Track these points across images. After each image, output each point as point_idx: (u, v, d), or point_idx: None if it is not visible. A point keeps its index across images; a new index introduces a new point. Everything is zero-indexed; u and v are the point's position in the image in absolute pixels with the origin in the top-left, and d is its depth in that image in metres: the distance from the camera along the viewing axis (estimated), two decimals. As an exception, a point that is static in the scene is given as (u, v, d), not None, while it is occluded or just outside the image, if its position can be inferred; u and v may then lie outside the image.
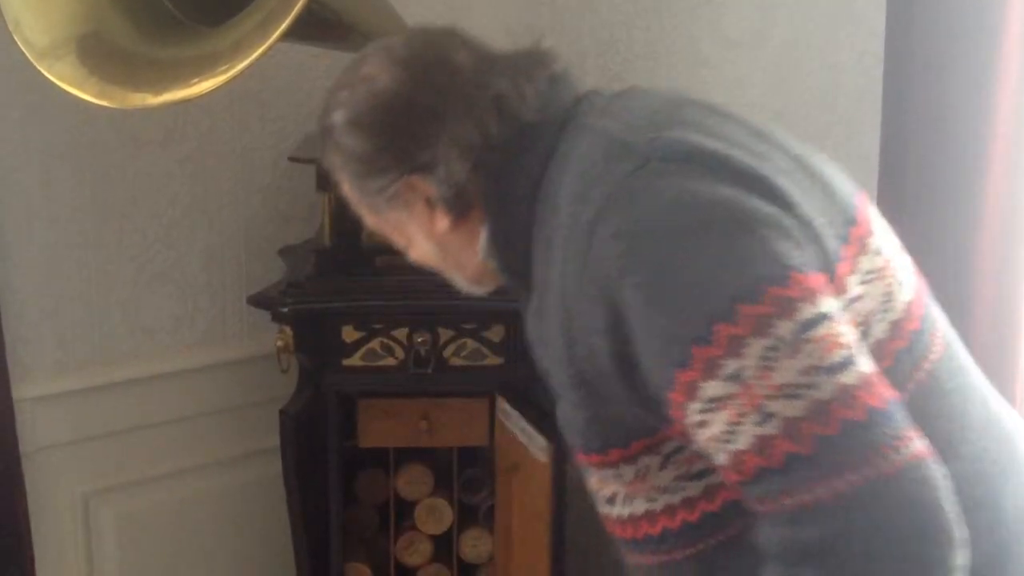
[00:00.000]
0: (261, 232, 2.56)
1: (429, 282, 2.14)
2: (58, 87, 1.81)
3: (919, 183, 1.58)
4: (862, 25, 2.12)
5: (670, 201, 1.12)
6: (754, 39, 2.32)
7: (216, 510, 2.58)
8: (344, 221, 2.16)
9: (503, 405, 2.13)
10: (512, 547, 2.19)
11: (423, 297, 2.15)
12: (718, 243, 1.09)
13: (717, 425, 1.07)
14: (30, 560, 2.26)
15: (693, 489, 1.22)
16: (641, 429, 1.21)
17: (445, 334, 2.18)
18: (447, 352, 2.19)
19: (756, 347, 1.04)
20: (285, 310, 2.11)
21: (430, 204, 1.31)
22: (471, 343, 2.19)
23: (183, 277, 2.48)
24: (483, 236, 1.32)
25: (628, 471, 1.24)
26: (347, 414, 2.25)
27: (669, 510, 1.24)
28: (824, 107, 2.21)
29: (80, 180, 2.30)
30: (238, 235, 2.54)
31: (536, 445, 2.03)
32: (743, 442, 1.05)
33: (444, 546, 2.38)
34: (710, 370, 1.05)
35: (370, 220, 1.41)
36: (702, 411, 1.08)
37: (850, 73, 2.17)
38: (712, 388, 1.06)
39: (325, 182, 2.14)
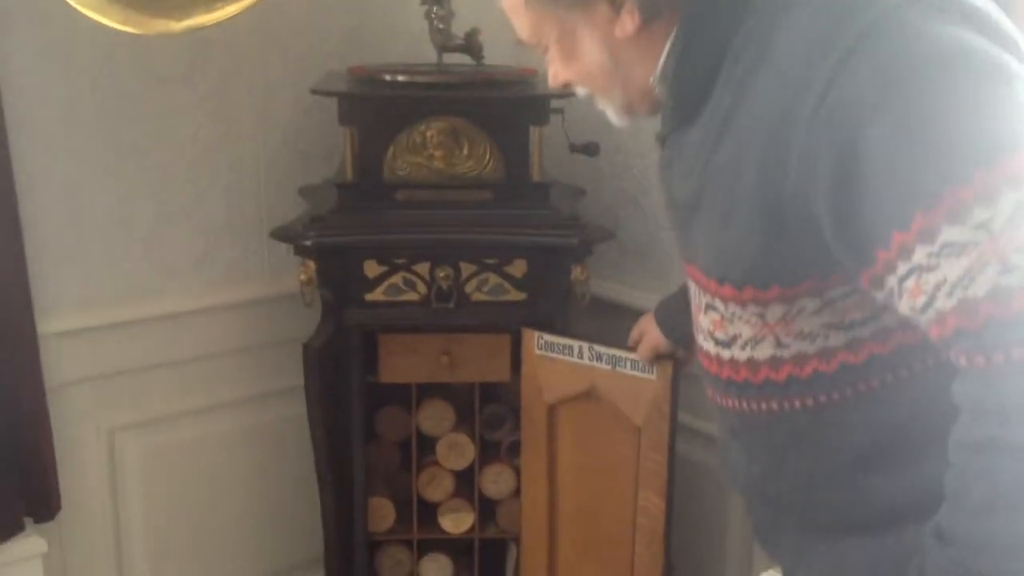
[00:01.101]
0: (281, 171, 2.56)
1: (452, 216, 2.17)
2: (80, 22, 1.80)
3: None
4: None
5: (929, 45, 1.08)
6: None
7: (240, 447, 2.60)
8: (367, 155, 2.17)
9: (544, 338, 2.12)
10: (559, 481, 2.19)
11: (445, 231, 2.15)
12: (980, 91, 1.06)
13: (946, 272, 1.04)
14: (56, 494, 2.28)
15: (836, 339, 1.21)
16: (816, 268, 1.17)
17: (467, 269, 2.18)
18: (469, 287, 2.19)
19: (1011, 199, 1.02)
20: (308, 243, 2.11)
21: (614, 5, 1.23)
22: (493, 278, 2.19)
23: (204, 215, 2.48)
24: (666, 50, 1.24)
25: (778, 310, 1.21)
26: (369, 350, 2.26)
27: (799, 358, 1.23)
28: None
29: (102, 117, 2.29)
30: (258, 173, 2.54)
31: (637, 367, 2.01)
32: (978, 289, 1.02)
33: (466, 482, 2.39)
34: (957, 214, 1.03)
35: (530, 27, 1.30)
36: (931, 255, 1.04)
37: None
38: (955, 233, 1.03)
39: (347, 116, 2.14)
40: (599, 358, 2.08)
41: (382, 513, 2.37)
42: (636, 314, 2.48)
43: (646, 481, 2.07)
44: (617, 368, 2.06)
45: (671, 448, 2.04)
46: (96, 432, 2.40)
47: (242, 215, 2.53)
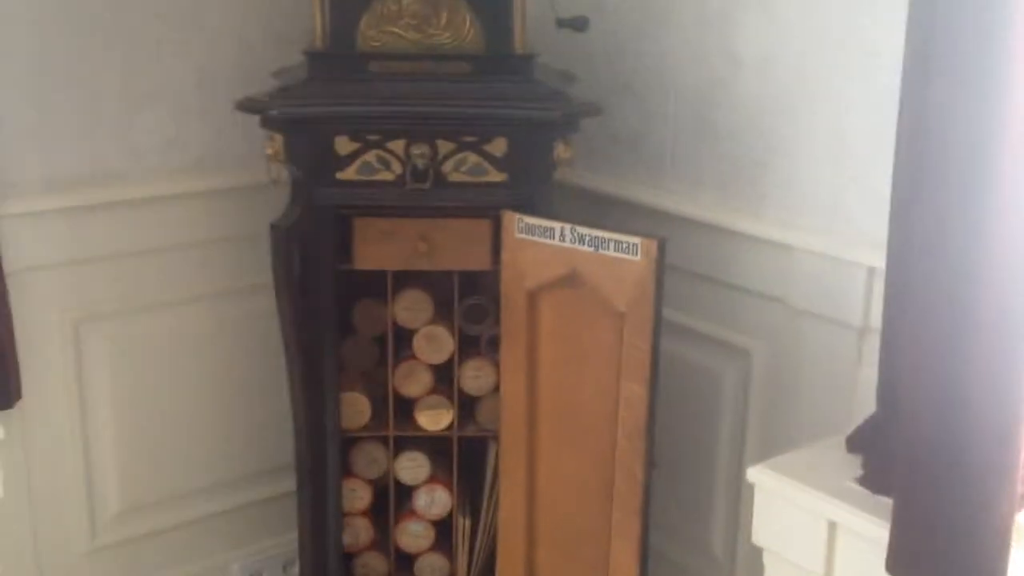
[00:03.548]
0: (258, 55, 2.43)
1: (428, 89, 2.04)
2: None
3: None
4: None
5: None
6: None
7: (211, 341, 2.49)
8: (338, 23, 2.04)
9: (524, 220, 2.00)
10: (540, 374, 2.08)
11: (421, 104, 2.02)
12: None
13: None
14: (16, 381, 2.19)
15: None
16: None
17: (444, 147, 2.06)
18: (447, 167, 2.07)
19: None
20: (275, 113, 1.99)
21: None
22: (472, 157, 2.06)
23: (175, 97, 2.36)
24: None
25: None
26: (342, 237, 2.14)
27: None
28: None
29: (64, -14, 2.17)
30: (232, 56, 2.41)
31: (620, 248, 1.89)
32: None
33: (444, 377, 2.29)
34: None
35: None
36: None
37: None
38: None
39: (318, -21, 2.00)
40: (581, 240, 1.96)
41: (356, 408, 2.26)
42: (627, 207, 2.37)
43: (628, 371, 1.95)
44: (600, 250, 1.94)
45: (655, 334, 1.92)
46: (60, 321, 2.30)
47: (215, 99, 2.41)
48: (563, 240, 1.99)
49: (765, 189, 2.19)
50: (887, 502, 1.62)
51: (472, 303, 2.26)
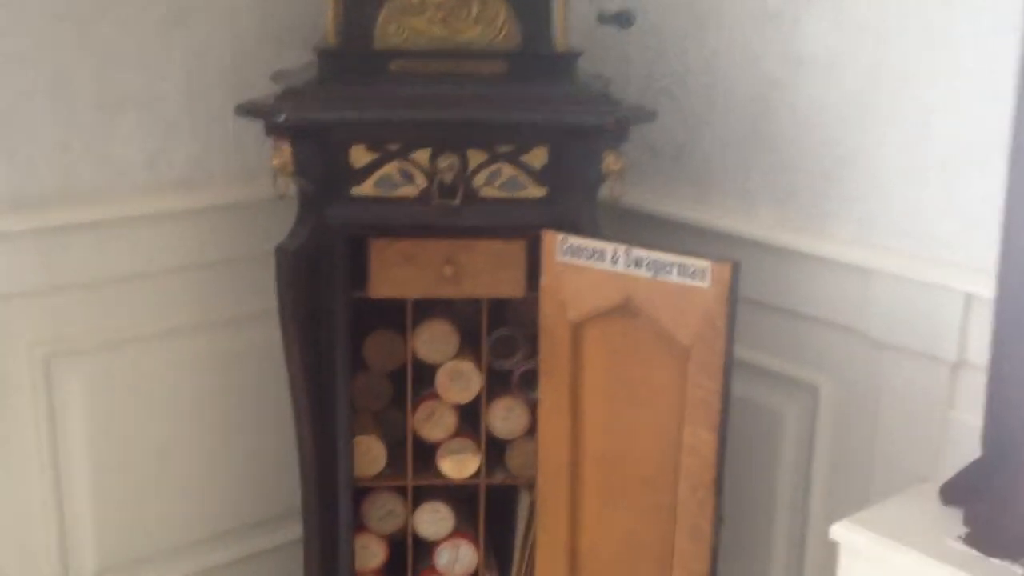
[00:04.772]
0: (252, 55, 2.16)
1: (456, 92, 1.79)
2: None
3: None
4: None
5: None
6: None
7: (202, 379, 2.21)
8: (354, 17, 1.78)
9: (569, 240, 1.74)
10: (585, 416, 1.82)
11: (449, 109, 1.76)
12: None
13: None
14: (-21, 429, 1.90)
15: None
16: None
17: (476, 157, 1.80)
18: (478, 180, 1.81)
19: None
20: (281, 119, 1.72)
21: None
22: (507, 169, 1.81)
23: (159, 102, 2.09)
24: None
25: None
26: (356, 259, 1.88)
27: None
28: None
29: (33, -25, 1.90)
30: (225, 55, 2.14)
31: (685, 273, 1.64)
32: None
33: (470, 418, 2.02)
34: None
35: None
36: None
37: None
38: None
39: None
40: (637, 263, 1.71)
41: (371, 455, 2.00)
42: (668, 226, 2.12)
43: (694, 414, 1.70)
44: (660, 276, 1.69)
45: (726, 372, 1.67)
46: (29, 357, 2.02)
47: (205, 104, 2.14)
48: (615, 264, 1.73)
49: (832, 205, 1.95)
50: (1002, 566, 1.45)
51: (502, 335, 2.00)
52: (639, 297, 1.72)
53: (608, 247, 1.74)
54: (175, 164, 2.14)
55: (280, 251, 1.80)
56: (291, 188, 1.81)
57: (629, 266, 1.72)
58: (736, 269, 1.64)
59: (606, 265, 1.74)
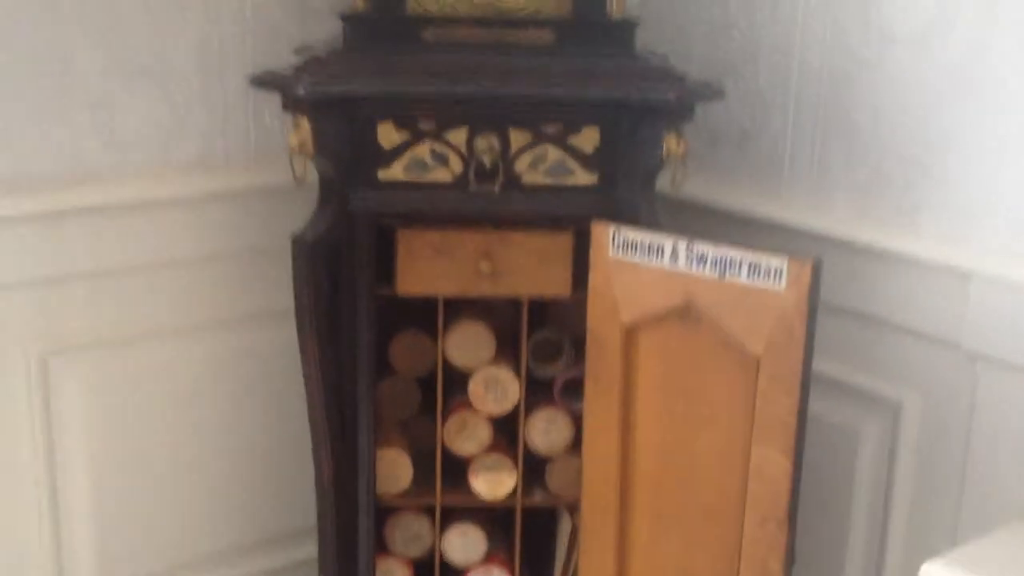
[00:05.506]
0: (275, 24, 1.97)
1: (497, 64, 1.58)
2: None
3: None
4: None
5: None
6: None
7: (213, 381, 2.02)
8: (383, -23, 1.57)
9: (622, 233, 1.53)
10: (637, 432, 1.61)
11: (489, 83, 1.56)
12: None
13: None
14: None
15: None
16: None
17: (519, 139, 1.59)
18: (521, 164, 1.60)
19: None
20: (301, 92, 1.51)
21: None
22: (554, 152, 1.60)
23: (170, 77, 1.90)
24: None
25: None
26: (383, 251, 1.67)
27: None
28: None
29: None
30: (243, 26, 1.94)
31: (757, 273, 1.43)
32: None
33: (507, 431, 1.81)
34: None
35: None
36: None
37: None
38: None
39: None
40: (701, 261, 1.49)
41: (395, 469, 1.80)
42: (733, 221, 1.91)
43: (765, 434, 1.48)
44: (728, 276, 1.47)
45: (804, 386, 1.45)
46: (25, 355, 1.83)
47: (220, 79, 1.94)
48: (675, 261, 1.52)
49: (922, 196, 1.73)
50: None
51: (544, 338, 1.79)
52: (702, 299, 1.50)
53: (668, 241, 1.52)
54: (187, 145, 1.95)
55: (297, 241, 1.59)
56: (310, 171, 1.61)
57: (692, 264, 1.50)
58: (818, 268, 1.42)
59: (665, 262, 1.53)
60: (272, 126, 1.99)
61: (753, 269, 1.45)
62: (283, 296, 1.69)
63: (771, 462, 1.48)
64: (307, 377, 1.72)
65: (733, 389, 1.51)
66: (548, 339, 1.79)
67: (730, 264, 1.47)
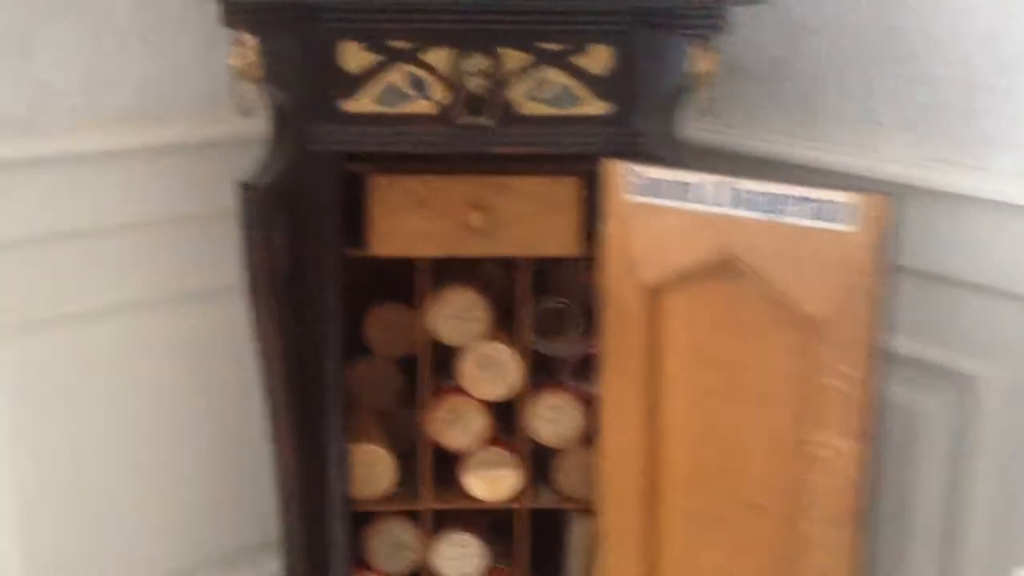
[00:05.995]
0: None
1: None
2: None
3: None
4: None
5: None
6: None
7: (161, 368, 1.72)
8: None
9: (641, 172, 1.25)
10: (666, 415, 1.32)
11: (478, -11, 1.27)
12: None
13: None
14: None
15: None
16: None
17: (514, 60, 1.31)
18: (516, 92, 1.32)
19: None
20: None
21: None
22: (557, 76, 1.33)
23: (100, 8, 1.60)
24: None
25: None
26: (352, 206, 1.39)
27: None
28: None
29: None
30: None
31: (817, 213, 1.15)
32: None
33: (506, 420, 1.53)
34: None
35: None
36: None
37: None
38: None
39: None
40: (743, 200, 1.20)
41: (374, 468, 1.52)
42: (765, 165, 1.63)
43: (828, 414, 1.19)
44: (777, 217, 1.18)
45: (875, 355, 1.16)
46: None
47: (159, 12, 1.64)
48: (710, 202, 1.23)
49: (996, 129, 1.44)
50: None
51: (549, 308, 1.50)
52: (746, 248, 1.22)
53: (699, 179, 1.23)
54: (124, 87, 1.65)
55: (247, 189, 1.30)
56: (259, 104, 1.32)
57: (732, 205, 1.21)
58: (894, 206, 1.13)
59: (697, 204, 1.24)
60: (223, 71, 1.70)
61: (811, 209, 1.16)
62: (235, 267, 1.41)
63: (835, 449, 1.20)
64: (261, 358, 1.43)
65: (786, 360, 1.23)
66: (554, 308, 1.50)
67: (781, 203, 1.18)
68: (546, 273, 1.52)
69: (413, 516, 1.55)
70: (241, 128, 1.43)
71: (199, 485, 1.78)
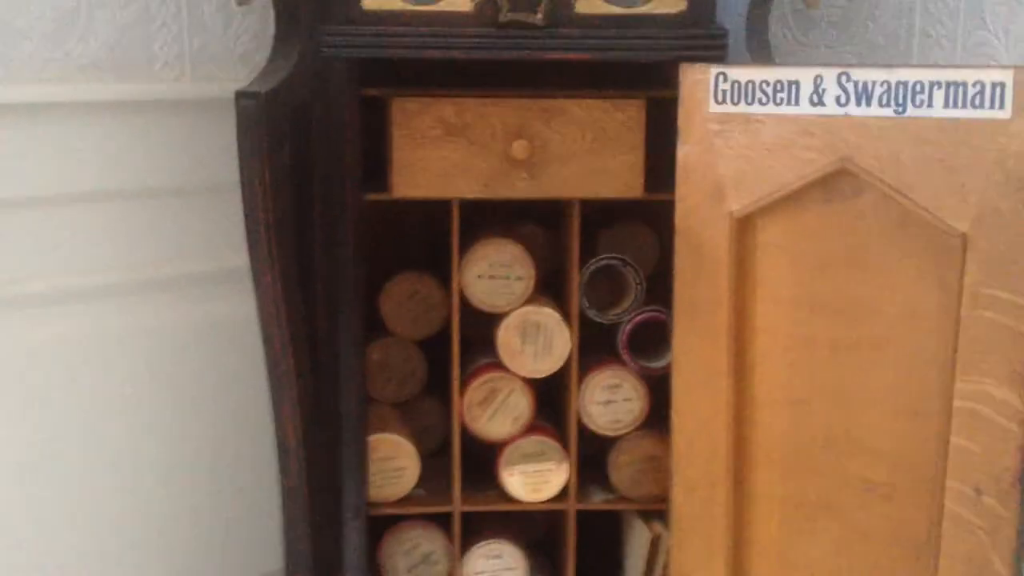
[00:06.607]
0: None
1: None
2: None
3: None
4: None
5: None
6: None
7: (139, 364, 1.46)
8: None
9: (731, 73, 1.02)
10: (756, 380, 1.08)
11: None
12: None
13: None
14: None
15: None
16: None
17: (570, -54, 1.08)
18: (572, -13, 1.09)
19: None
20: None
21: None
22: (621, -34, 1.09)
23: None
24: None
25: None
26: (370, 132, 1.15)
27: None
28: None
29: None
30: None
31: (957, 97, 0.93)
32: None
33: (551, 402, 1.28)
34: None
35: None
36: None
37: None
38: None
39: None
40: (865, 94, 0.97)
41: (394, 463, 1.26)
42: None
43: (979, 356, 0.95)
44: (911, 112, 0.95)
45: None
46: None
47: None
48: (819, 102, 0.99)
49: None
50: None
51: (605, 264, 1.25)
52: (869, 154, 0.98)
53: (803, 74, 1.00)
54: (96, 34, 1.41)
55: (243, 99, 1.05)
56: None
57: (848, 102, 0.98)
58: (1064, 80, 0.90)
59: (801, 108, 1.01)
60: (212, 21, 1.47)
61: (953, 94, 0.93)
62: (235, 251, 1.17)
63: (992, 401, 0.95)
64: (264, 330, 1.17)
65: (923, 292, 0.99)
66: (611, 266, 1.26)
67: (915, 91, 0.95)
68: (606, 220, 1.29)
69: (441, 521, 1.28)
70: (222, 89, 1.19)
71: (193, 507, 1.51)
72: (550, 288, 1.29)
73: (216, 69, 1.46)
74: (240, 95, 1.04)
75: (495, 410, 1.25)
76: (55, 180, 1.38)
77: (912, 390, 1.00)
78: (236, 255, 1.25)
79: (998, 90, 0.91)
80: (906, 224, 0.97)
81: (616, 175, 1.17)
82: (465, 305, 1.23)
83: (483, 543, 1.29)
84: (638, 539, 1.29)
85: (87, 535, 1.43)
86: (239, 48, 1.45)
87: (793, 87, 1.01)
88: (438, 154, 1.15)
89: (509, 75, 1.16)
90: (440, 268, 1.28)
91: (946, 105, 0.93)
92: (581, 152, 1.16)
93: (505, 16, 1.07)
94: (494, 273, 1.23)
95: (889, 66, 0.96)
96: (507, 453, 1.26)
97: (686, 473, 1.12)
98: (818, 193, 1.02)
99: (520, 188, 1.17)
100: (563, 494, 1.27)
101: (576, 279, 1.23)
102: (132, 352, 1.46)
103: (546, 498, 1.27)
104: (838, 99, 0.98)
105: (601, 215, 1.28)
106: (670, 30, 1.09)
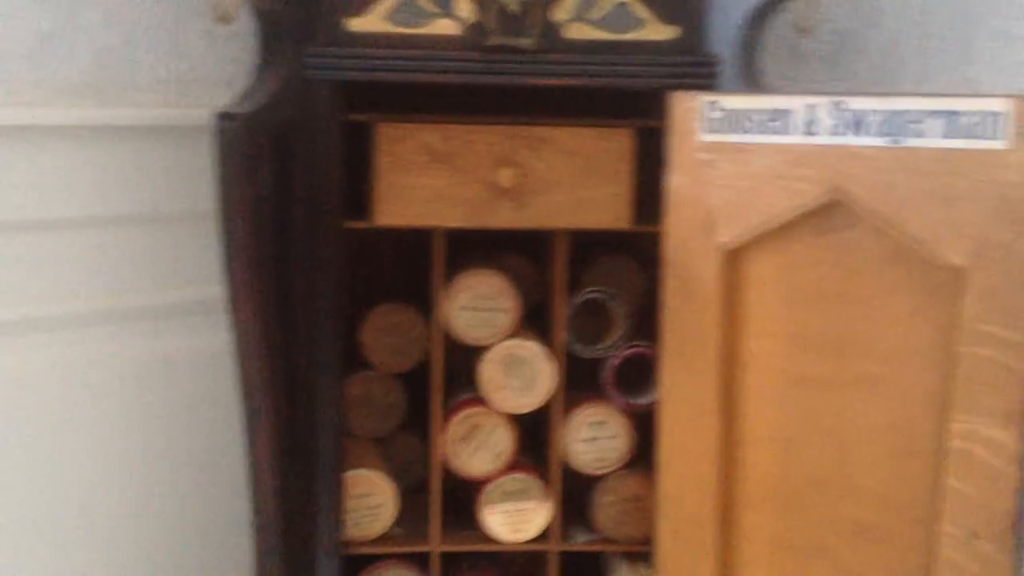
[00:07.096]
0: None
1: None
2: None
3: None
4: None
5: None
6: None
7: (117, 394, 1.42)
8: None
9: (722, 102, 1.00)
10: (744, 425, 1.04)
11: None
12: None
13: None
14: None
15: None
16: None
17: (558, -30, 1.06)
18: (560, 11, 1.07)
19: None
20: None
21: None
22: (611, -7, 1.07)
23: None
24: None
25: None
26: (354, 155, 1.12)
27: None
28: None
29: None
30: None
31: (963, 126, 0.90)
32: None
33: (535, 439, 1.24)
34: None
35: None
36: None
37: None
38: None
39: None
40: (854, 124, 0.95)
41: (372, 500, 1.21)
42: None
43: (974, 394, 0.92)
44: (905, 141, 0.93)
45: (1045, 311, 0.89)
46: None
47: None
48: (811, 131, 0.97)
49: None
50: None
51: (591, 297, 1.23)
52: (863, 185, 0.96)
53: (795, 102, 0.98)
54: (76, 59, 1.39)
55: (222, 121, 1.02)
56: (240, 15, 1.06)
57: (842, 131, 0.96)
58: (1065, 112, 0.88)
59: (793, 136, 0.98)
60: (196, 46, 1.45)
61: (950, 123, 0.91)
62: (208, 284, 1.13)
63: (987, 442, 0.92)
64: (240, 354, 1.14)
65: (917, 328, 0.96)
66: (597, 298, 1.23)
67: (910, 122, 0.93)
68: (594, 249, 1.26)
69: (418, 561, 1.24)
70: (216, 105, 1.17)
71: (159, 523, 1.47)
72: (535, 321, 1.26)
73: (200, 94, 1.43)
74: (219, 116, 1.01)
75: (476, 446, 1.22)
76: (30, 205, 1.34)
77: (905, 429, 0.97)
78: (211, 285, 1.21)
79: (996, 120, 0.89)
80: (900, 257, 0.95)
81: (604, 205, 1.14)
82: (447, 337, 1.20)
83: (462, 584, 1.25)
84: (621, 582, 1.25)
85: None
86: (224, 73, 1.42)
87: (786, 116, 0.98)
88: (423, 181, 1.12)
89: (496, 100, 1.13)
90: (421, 299, 1.25)
91: (942, 135, 0.91)
92: (568, 181, 1.13)
93: (493, 40, 1.05)
94: (477, 305, 1.20)
95: (884, 95, 0.94)
96: (488, 491, 1.22)
97: (672, 514, 1.09)
98: (810, 225, 0.99)
99: (505, 217, 1.14)
100: (545, 534, 1.23)
101: (561, 312, 1.20)
102: (102, 383, 1.41)
103: (527, 538, 1.23)
104: (831, 128, 0.96)
105: (587, 246, 1.25)
106: (661, 57, 1.07)
